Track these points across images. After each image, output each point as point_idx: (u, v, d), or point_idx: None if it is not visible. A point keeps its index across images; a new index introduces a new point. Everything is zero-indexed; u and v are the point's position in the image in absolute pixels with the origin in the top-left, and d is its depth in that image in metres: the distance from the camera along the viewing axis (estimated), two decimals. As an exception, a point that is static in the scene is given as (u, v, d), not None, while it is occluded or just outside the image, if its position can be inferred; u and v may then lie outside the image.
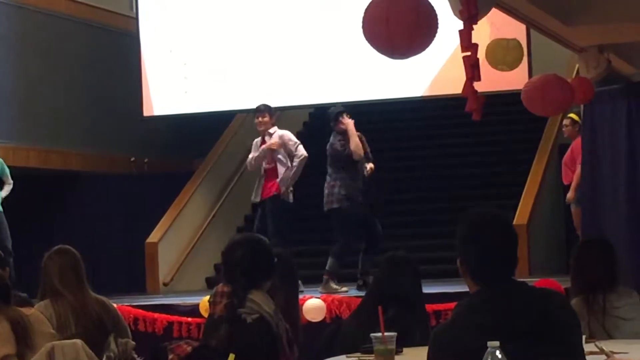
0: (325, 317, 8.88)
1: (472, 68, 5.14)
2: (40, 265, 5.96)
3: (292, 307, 5.48)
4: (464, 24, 5.16)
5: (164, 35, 12.90)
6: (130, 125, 13.18)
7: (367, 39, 4.83)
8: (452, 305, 3.50)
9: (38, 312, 5.56)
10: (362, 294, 7.20)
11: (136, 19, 13.10)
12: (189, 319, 9.23)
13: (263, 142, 10.40)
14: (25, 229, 12.30)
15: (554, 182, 11.67)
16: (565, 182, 10.47)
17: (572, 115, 10.25)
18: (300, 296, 8.08)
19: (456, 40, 5.17)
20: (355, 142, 9.99)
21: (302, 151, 10.38)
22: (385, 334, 4.15)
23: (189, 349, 4.61)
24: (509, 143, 13.47)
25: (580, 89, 7.65)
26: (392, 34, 4.75)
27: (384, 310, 4.31)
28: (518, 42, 6.87)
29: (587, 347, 3.73)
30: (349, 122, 10.05)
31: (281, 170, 10.28)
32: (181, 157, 13.98)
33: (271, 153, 10.30)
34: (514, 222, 10.09)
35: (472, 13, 5.14)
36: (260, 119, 10.42)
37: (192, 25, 12.81)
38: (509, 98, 10.15)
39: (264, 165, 10.33)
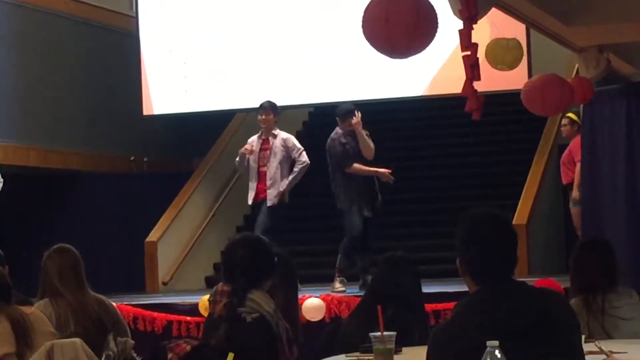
0: (324, 317, 8.88)
1: (471, 68, 5.15)
2: (39, 264, 5.96)
3: (291, 307, 5.48)
4: (464, 23, 5.17)
5: (164, 35, 12.90)
6: (129, 125, 13.18)
7: (366, 38, 4.84)
8: (452, 304, 3.51)
9: (38, 311, 5.56)
10: (362, 293, 7.20)
11: (136, 18, 13.10)
12: (188, 318, 9.23)
13: (265, 142, 10.35)
14: (24, 228, 12.31)
15: (554, 182, 11.68)
16: (564, 182, 10.47)
17: (570, 114, 10.25)
18: (300, 295, 8.09)
19: (456, 40, 5.18)
20: (364, 144, 9.89)
21: (305, 157, 10.33)
22: (385, 333, 4.15)
23: (188, 348, 4.61)
24: (508, 143, 13.47)
25: (580, 88, 7.66)
26: (392, 34, 4.75)
27: (384, 310, 4.31)
28: (518, 41, 6.88)
29: (586, 347, 3.73)
30: (357, 123, 9.94)
31: (277, 177, 10.23)
32: (181, 157, 13.98)
33: (266, 157, 10.25)
34: (514, 222, 10.09)
35: (472, 13, 5.15)
36: (264, 116, 10.35)
37: (192, 25, 12.80)
38: (509, 98, 10.15)
39: (256, 166, 10.28)
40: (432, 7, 4.80)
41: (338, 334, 5.55)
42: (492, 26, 9.25)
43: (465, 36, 5.13)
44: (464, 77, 5.23)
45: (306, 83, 12.32)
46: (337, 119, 10.07)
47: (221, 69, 12.58)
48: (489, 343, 2.99)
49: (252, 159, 10.35)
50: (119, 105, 13.21)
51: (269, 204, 10.16)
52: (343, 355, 4.79)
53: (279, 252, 5.08)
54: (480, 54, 5.29)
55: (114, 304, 6.24)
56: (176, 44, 12.80)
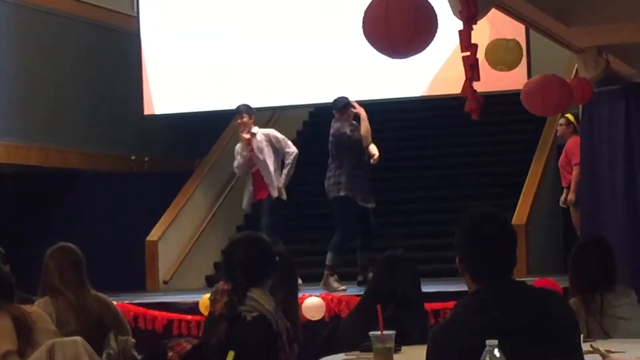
0: (324, 316, 8.89)
1: (471, 68, 5.16)
2: (40, 263, 5.97)
3: (291, 306, 5.50)
4: (464, 24, 5.18)
5: (165, 35, 12.90)
6: (130, 124, 13.19)
7: (366, 38, 4.85)
8: (451, 304, 3.53)
9: (40, 309, 5.58)
10: (362, 292, 7.23)
11: (137, 17, 13.10)
12: (189, 317, 9.25)
13: (249, 144, 10.37)
14: (25, 227, 12.32)
15: (553, 182, 11.68)
16: (564, 184, 10.48)
17: (567, 115, 10.26)
18: (299, 294, 8.10)
19: (456, 41, 5.18)
20: (365, 127, 10.01)
21: (292, 147, 10.48)
22: (384, 332, 4.16)
23: (188, 346, 4.63)
24: (507, 143, 13.47)
25: (579, 89, 7.67)
26: (392, 34, 4.76)
27: (383, 309, 4.33)
28: (517, 42, 6.89)
29: (584, 347, 3.75)
30: (361, 109, 10.08)
31: (266, 173, 10.28)
32: (181, 156, 13.99)
33: (251, 156, 10.27)
34: (513, 222, 10.11)
35: (471, 13, 5.16)
36: (239, 120, 10.44)
37: (192, 25, 12.81)
38: (508, 98, 10.17)
39: (250, 169, 10.35)
40: (431, 7, 4.81)
41: (337, 332, 5.57)
42: (491, 27, 9.27)
43: (465, 37, 5.14)
44: (463, 78, 5.23)
45: (306, 83, 12.34)
46: (334, 112, 10.15)
47: (222, 69, 12.59)
48: (488, 342, 3.00)
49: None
50: (119, 105, 13.22)
51: (273, 196, 10.23)
52: (342, 354, 4.80)
53: (279, 251, 5.10)
54: (480, 54, 5.30)
55: (115, 302, 6.26)
56: (177, 43, 12.81)
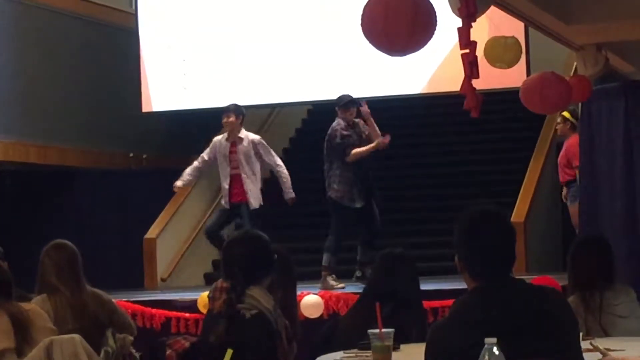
0: (322, 314, 8.89)
1: (470, 65, 5.15)
2: (38, 260, 5.97)
3: (290, 304, 5.49)
4: (463, 21, 5.17)
5: (163, 32, 12.90)
6: (129, 121, 13.18)
7: (365, 36, 4.84)
8: (450, 302, 3.53)
9: (37, 307, 5.57)
10: (360, 290, 7.22)
11: (135, 15, 13.10)
12: (187, 315, 9.25)
13: (233, 145, 10.26)
14: (23, 225, 12.31)
15: (552, 179, 11.68)
16: (562, 181, 10.49)
17: (564, 113, 10.27)
18: (298, 292, 8.10)
19: (455, 38, 5.18)
20: (375, 133, 9.86)
21: (280, 160, 10.35)
22: (383, 330, 4.16)
23: (186, 344, 4.63)
24: (506, 140, 13.47)
25: (578, 87, 7.66)
26: (391, 31, 4.75)
27: (381, 307, 4.32)
28: (516, 40, 6.88)
29: (583, 345, 3.74)
30: (367, 112, 9.91)
31: (247, 182, 10.19)
32: (180, 153, 13.96)
33: (237, 159, 10.22)
34: (512, 220, 10.10)
35: (470, 11, 5.15)
36: (225, 119, 10.27)
37: (191, 22, 12.81)
38: (507, 96, 10.16)
39: (228, 170, 10.26)
40: (430, 4, 4.80)
41: (336, 330, 5.56)
42: (490, 24, 9.27)
43: (464, 34, 5.14)
44: (462, 75, 5.23)
45: (305, 80, 12.33)
46: (337, 109, 10.05)
47: (220, 66, 12.59)
48: (487, 340, 3.00)
49: (224, 161, 10.28)
50: (118, 102, 13.21)
51: (252, 207, 10.16)
52: (341, 352, 4.80)
53: (278, 249, 5.09)
54: (479, 52, 5.29)
55: (113, 299, 6.25)
56: (175, 41, 12.81)
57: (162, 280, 11.96)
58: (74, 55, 12.92)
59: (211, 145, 10.44)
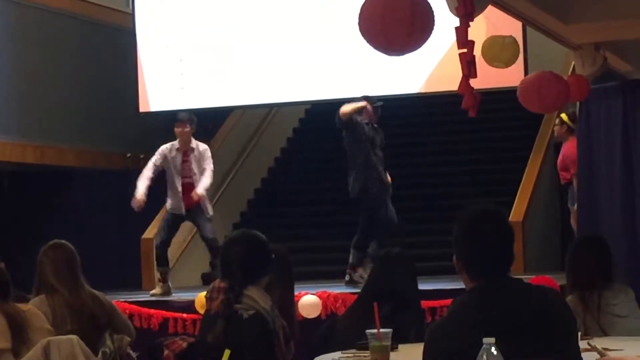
0: (320, 314, 8.88)
1: (468, 65, 5.15)
2: (35, 261, 5.96)
3: (288, 304, 5.49)
4: (461, 21, 5.17)
5: (160, 32, 12.88)
6: (126, 121, 13.17)
7: (363, 35, 4.84)
8: (448, 302, 3.52)
9: (34, 308, 5.56)
10: (357, 290, 7.22)
11: (132, 15, 13.08)
12: (185, 315, 9.23)
13: (185, 154, 10.36)
14: (20, 225, 12.30)
15: (550, 179, 11.68)
16: (563, 182, 10.49)
17: (562, 115, 10.26)
18: (296, 292, 8.09)
19: (452, 37, 5.17)
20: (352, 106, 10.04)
21: (212, 166, 10.48)
22: (381, 330, 4.15)
23: (184, 344, 4.62)
24: (504, 140, 13.47)
25: (576, 86, 7.66)
26: (388, 31, 4.75)
27: (380, 307, 4.32)
28: (514, 39, 6.87)
29: (582, 345, 3.74)
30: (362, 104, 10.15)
31: (199, 187, 10.31)
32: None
33: (188, 168, 10.34)
34: (510, 219, 10.09)
35: (468, 10, 5.15)
36: (181, 129, 10.36)
37: (188, 22, 12.79)
38: (505, 95, 10.15)
39: (180, 179, 10.36)
40: (428, 4, 4.79)
41: (334, 330, 5.56)
42: (488, 23, 9.25)
43: (461, 33, 5.13)
44: (460, 75, 5.23)
45: (303, 80, 12.31)
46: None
47: (218, 66, 12.58)
48: (485, 340, 2.99)
49: (174, 171, 10.39)
50: (115, 102, 13.20)
51: (208, 214, 10.36)
52: (339, 352, 4.80)
53: (276, 249, 5.08)
54: (477, 51, 5.29)
55: (111, 300, 6.24)
56: (173, 40, 12.79)
57: (160, 280, 11.93)
58: (71, 56, 12.91)
59: (160, 153, 10.53)
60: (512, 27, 8.89)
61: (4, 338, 5.26)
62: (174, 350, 4.59)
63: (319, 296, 9.05)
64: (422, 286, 5.91)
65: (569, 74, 8.81)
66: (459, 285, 3.47)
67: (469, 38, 5.14)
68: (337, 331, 5.50)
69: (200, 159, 10.37)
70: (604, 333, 5.39)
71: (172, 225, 10.58)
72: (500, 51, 6.74)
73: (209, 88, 12.65)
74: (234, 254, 4.73)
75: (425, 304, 7.38)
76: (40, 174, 12.80)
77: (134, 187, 10.68)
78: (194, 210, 10.37)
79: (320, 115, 14.18)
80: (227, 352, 4.30)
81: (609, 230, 7.75)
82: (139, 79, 12.85)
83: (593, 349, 4.35)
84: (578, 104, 8.66)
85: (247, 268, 4.67)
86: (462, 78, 5.22)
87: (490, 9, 6.37)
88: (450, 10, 5.42)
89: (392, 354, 4.26)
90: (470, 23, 5.18)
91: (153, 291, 10.32)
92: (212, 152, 13.28)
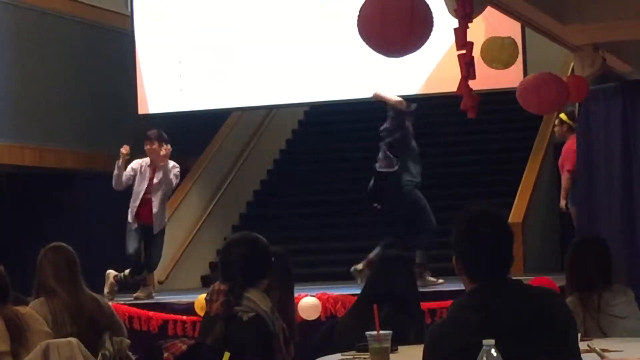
0: (320, 316, 8.87)
1: (467, 66, 5.14)
2: (34, 264, 5.95)
3: (288, 306, 5.48)
4: (459, 22, 5.17)
5: (159, 34, 12.88)
6: (125, 123, 13.16)
7: (362, 37, 4.83)
8: (447, 303, 3.52)
9: (33, 311, 5.55)
10: (358, 292, 7.22)
11: (131, 17, 13.08)
12: (184, 317, 9.23)
13: (153, 171, 10.43)
14: (19, 228, 12.29)
15: (549, 180, 11.68)
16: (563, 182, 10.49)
17: (561, 115, 10.26)
18: (295, 294, 8.09)
19: (451, 39, 5.17)
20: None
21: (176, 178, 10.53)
22: (381, 332, 4.15)
23: (184, 347, 4.61)
24: (504, 141, 13.47)
25: (575, 87, 7.66)
26: (387, 33, 4.75)
27: (379, 309, 4.31)
28: (513, 40, 6.88)
29: (582, 346, 3.73)
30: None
31: (155, 206, 10.37)
32: (176, 155, 13.93)
33: (153, 185, 10.39)
34: (509, 220, 10.10)
35: (467, 11, 5.15)
36: (149, 146, 10.44)
37: (187, 24, 12.79)
38: (504, 96, 10.15)
39: (141, 192, 10.41)
40: (427, 5, 4.79)
41: (334, 332, 5.55)
42: (487, 25, 9.27)
43: (460, 35, 5.13)
44: (459, 76, 5.22)
45: (302, 82, 12.31)
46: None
47: (217, 68, 12.57)
48: (485, 342, 2.99)
49: (138, 182, 10.49)
50: (114, 104, 13.19)
51: (155, 231, 10.42)
52: (339, 354, 4.79)
53: (276, 251, 5.08)
54: (476, 52, 5.28)
55: (110, 303, 6.24)
56: (171, 42, 12.79)
57: (159, 282, 11.94)
58: (70, 58, 12.90)
59: (134, 165, 10.63)
60: (511, 28, 8.89)
61: (3, 341, 5.26)
62: (173, 353, 4.58)
63: (319, 298, 9.05)
64: (421, 287, 5.91)
65: (568, 75, 8.81)
66: (459, 286, 3.46)
67: (468, 39, 5.14)
68: (337, 333, 5.49)
69: (167, 177, 10.41)
70: (604, 334, 5.38)
71: (139, 237, 10.56)
72: (499, 52, 6.74)
73: (208, 90, 12.64)
74: (233, 256, 4.73)
75: (424, 305, 7.37)
76: (38, 176, 12.79)
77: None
78: (145, 226, 10.40)
79: (318, 117, 14.19)
80: (226, 355, 4.29)
81: (608, 231, 7.75)
82: (138, 81, 12.85)
83: (592, 351, 4.35)
84: (577, 105, 8.66)
85: (247, 270, 4.67)
86: (461, 79, 5.21)
87: (489, 10, 6.37)
88: (449, 12, 5.42)
89: (392, 356, 4.26)
90: (469, 24, 5.17)
91: (137, 294, 10.33)
92: (208, 155, 13.37)
